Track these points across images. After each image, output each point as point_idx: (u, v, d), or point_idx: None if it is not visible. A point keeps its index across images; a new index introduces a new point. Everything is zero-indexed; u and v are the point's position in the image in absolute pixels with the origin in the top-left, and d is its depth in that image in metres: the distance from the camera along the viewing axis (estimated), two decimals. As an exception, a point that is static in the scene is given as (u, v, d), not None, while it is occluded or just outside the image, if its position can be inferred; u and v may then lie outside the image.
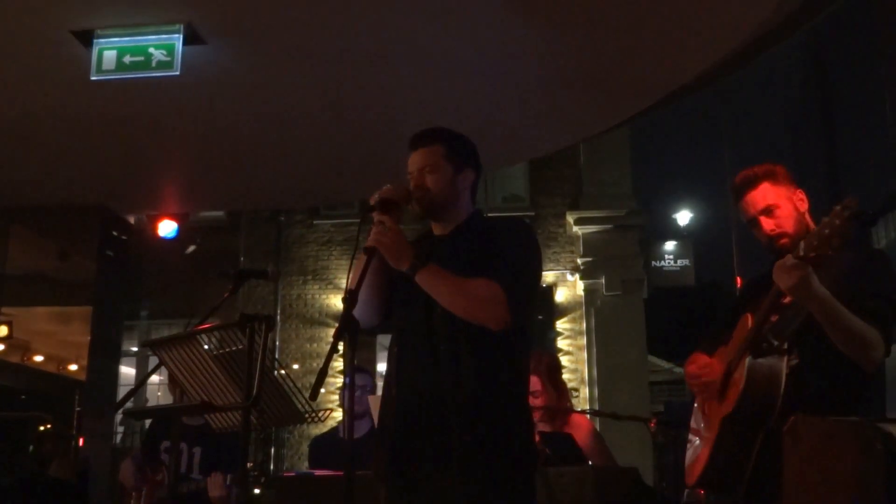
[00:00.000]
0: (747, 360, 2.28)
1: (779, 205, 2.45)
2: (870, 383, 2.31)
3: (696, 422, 2.65)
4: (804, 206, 2.47)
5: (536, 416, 3.89)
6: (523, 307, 2.32)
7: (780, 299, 2.30)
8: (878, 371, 2.31)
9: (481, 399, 2.24)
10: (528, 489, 2.33)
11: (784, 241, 2.42)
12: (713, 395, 2.45)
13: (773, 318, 2.30)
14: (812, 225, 2.40)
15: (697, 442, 2.61)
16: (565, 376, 11.13)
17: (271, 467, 11.08)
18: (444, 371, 2.27)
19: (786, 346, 2.28)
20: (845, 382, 2.28)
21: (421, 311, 2.33)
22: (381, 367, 10.87)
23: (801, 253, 2.11)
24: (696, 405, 2.69)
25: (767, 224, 2.46)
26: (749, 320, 2.37)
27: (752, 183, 2.48)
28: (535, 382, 3.90)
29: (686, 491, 3.83)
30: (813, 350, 2.29)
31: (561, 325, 11.72)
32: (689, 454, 2.63)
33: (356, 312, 2.10)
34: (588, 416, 4.45)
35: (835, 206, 2.07)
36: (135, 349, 11.98)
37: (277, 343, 11.92)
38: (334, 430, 4.71)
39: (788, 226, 2.43)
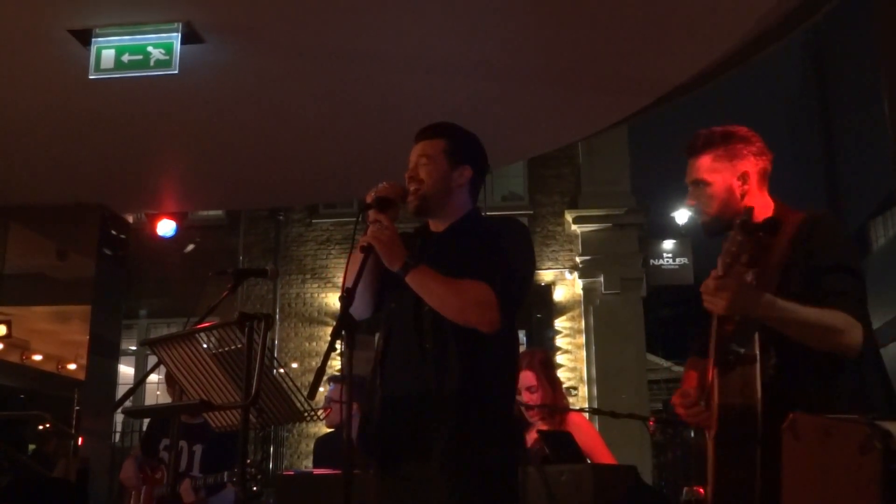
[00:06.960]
0: (716, 379, 2.15)
1: (710, 181, 2.35)
2: (855, 370, 2.15)
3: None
4: (747, 184, 2.31)
5: (536, 415, 3.90)
6: (513, 310, 2.31)
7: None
8: (871, 359, 2.18)
9: (466, 397, 2.22)
10: (512, 488, 2.32)
11: (703, 220, 2.38)
12: (705, 418, 2.26)
13: (729, 328, 2.16)
14: (739, 201, 2.29)
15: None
16: (564, 375, 11.19)
17: (270, 466, 11.06)
18: (430, 368, 2.26)
19: (757, 350, 2.13)
20: (829, 372, 2.14)
21: (410, 309, 2.33)
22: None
23: (721, 272, 2.04)
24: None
25: (692, 198, 2.41)
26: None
27: (694, 151, 2.39)
28: (530, 378, 3.90)
29: (685, 489, 3.83)
30: (789, 345, 2.13)
31: (559, 323, 11.71)
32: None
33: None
34: (587, 414, 4.44)
35: (734, 221, 2.02)
36: (133, 348, 11.96)
37: (276, 342, 11.90)
38: (340, 429, 4.73)
39: (711, 207, 2.35)
